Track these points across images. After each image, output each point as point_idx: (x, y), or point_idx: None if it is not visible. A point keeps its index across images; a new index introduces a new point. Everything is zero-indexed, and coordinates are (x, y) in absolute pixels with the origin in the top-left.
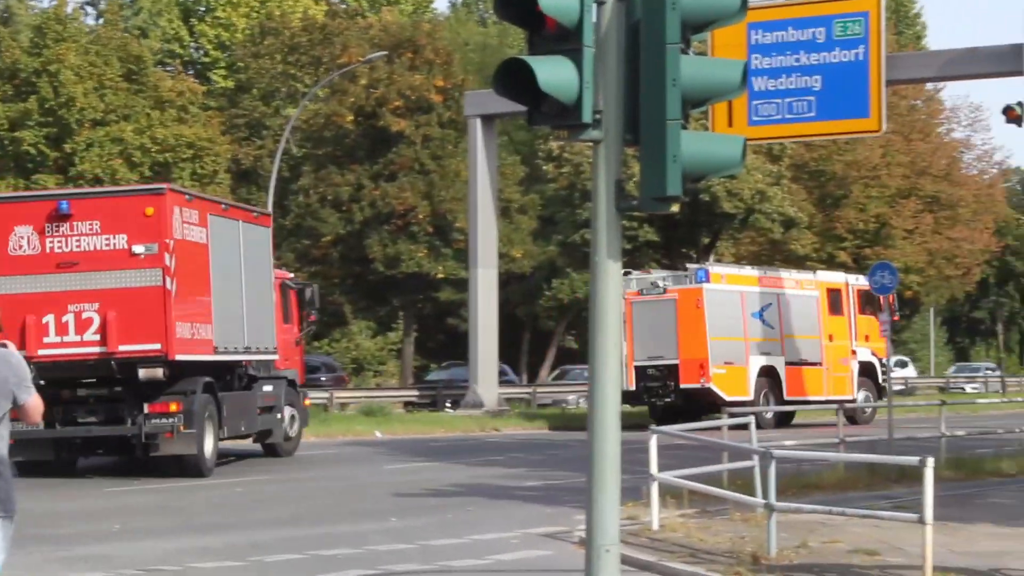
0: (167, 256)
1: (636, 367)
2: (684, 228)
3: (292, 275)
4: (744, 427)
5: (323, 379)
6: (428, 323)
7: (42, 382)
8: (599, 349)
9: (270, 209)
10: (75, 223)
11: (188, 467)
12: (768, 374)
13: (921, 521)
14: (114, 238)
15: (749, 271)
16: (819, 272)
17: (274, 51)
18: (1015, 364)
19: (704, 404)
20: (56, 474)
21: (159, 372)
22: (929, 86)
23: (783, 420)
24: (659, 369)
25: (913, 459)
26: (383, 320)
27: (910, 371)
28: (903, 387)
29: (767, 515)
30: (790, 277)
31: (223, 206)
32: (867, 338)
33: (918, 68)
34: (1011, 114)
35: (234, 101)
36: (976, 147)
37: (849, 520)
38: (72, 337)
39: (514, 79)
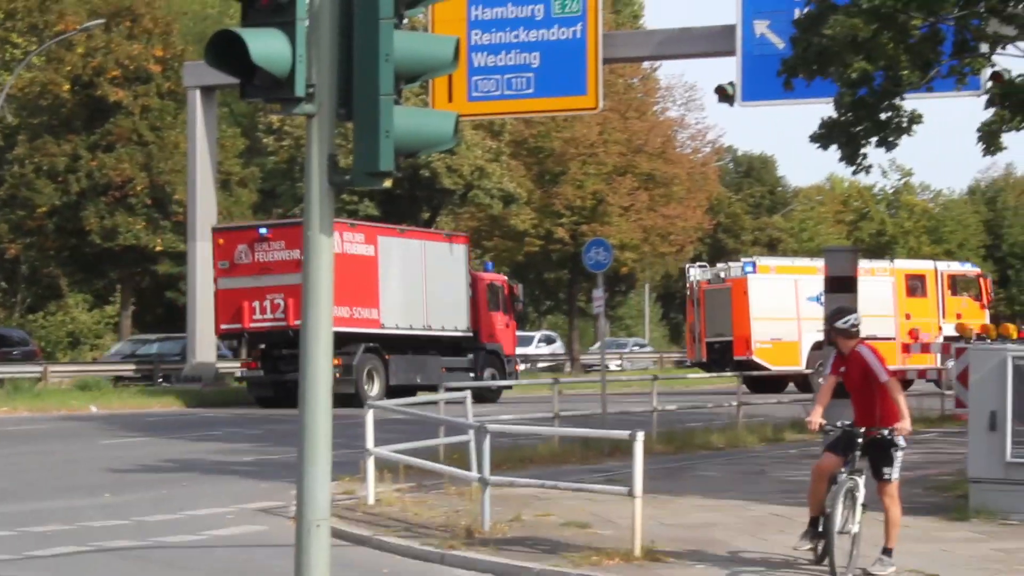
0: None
1: (707, 342)
2: (404, 203)
3: (505, 278)
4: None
5: (15, 353)
6: (146, 296)
7: (262, 346)
8: (311, 322)
9: None
10: (270, 242)
11: (352, 401)
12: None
13: (631, 494)
14: (292, 251)
15: (807, 262)
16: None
17: None
18: None
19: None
20: (275, 405)
21: None
22: (646, 65)
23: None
24: (721, 344)
25: (624, 433)
26: (100, 293)
27: (558, 347)
28: (552, 363)
29: (481, 489)
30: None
31: (400, 230)
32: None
33: (634, 47)
34: (723, 93)
35: None
36: (690, 126)
37: (563, 494)
38: (268, 316)
39: (227, 51)
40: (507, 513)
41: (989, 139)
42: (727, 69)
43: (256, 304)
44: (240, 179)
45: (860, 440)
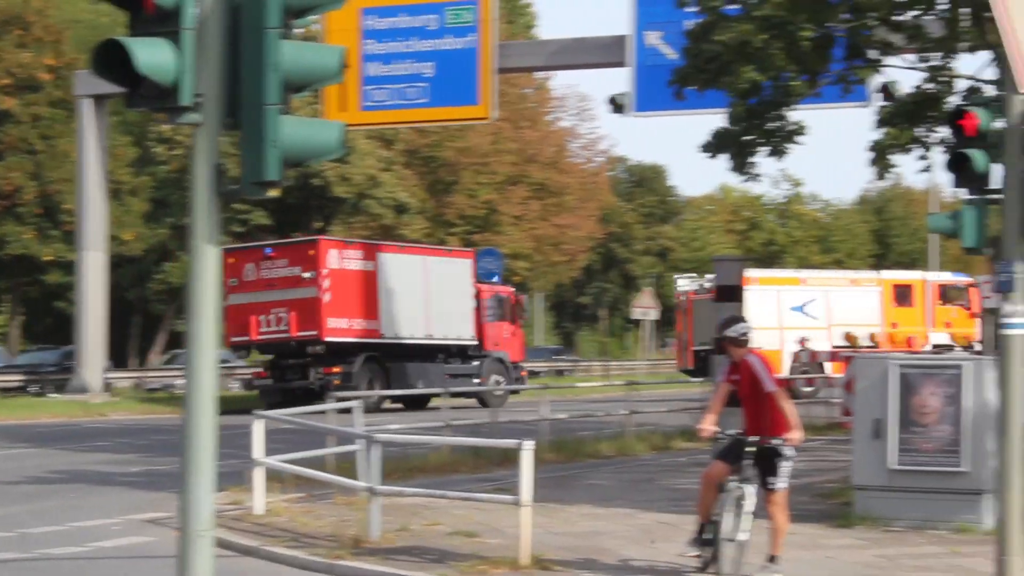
0: (322, 279)
1: (693, 350)
2: (296, 212)
3: (512, 289)
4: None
5: None
6: (35, 306)
7: (269, 356)
8: (196, 332)
9: None
10: (273, 260)
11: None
12: None
13: (518, 503)
14: (294, 268)
15: (791, 273)
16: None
17: None
18: (617, 349)
19: None
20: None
21: (318, 348)
22: (539, 75)
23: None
24: (707, 352)
25: (512, 442)
26: None
27: None
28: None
29: (369, 499)
30: (843, 276)
31: (399, 246)
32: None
33: (528, 57)
34: (615, 104)
35: None
36: (583, 136)
37: (452, 503)
38: (273, 328)
39: (113, 60)
40: (395, 523)
41: (879, 159)
42: (620, 80)
43: (262, 318)
44: (131, 188)
45: (750, 449)
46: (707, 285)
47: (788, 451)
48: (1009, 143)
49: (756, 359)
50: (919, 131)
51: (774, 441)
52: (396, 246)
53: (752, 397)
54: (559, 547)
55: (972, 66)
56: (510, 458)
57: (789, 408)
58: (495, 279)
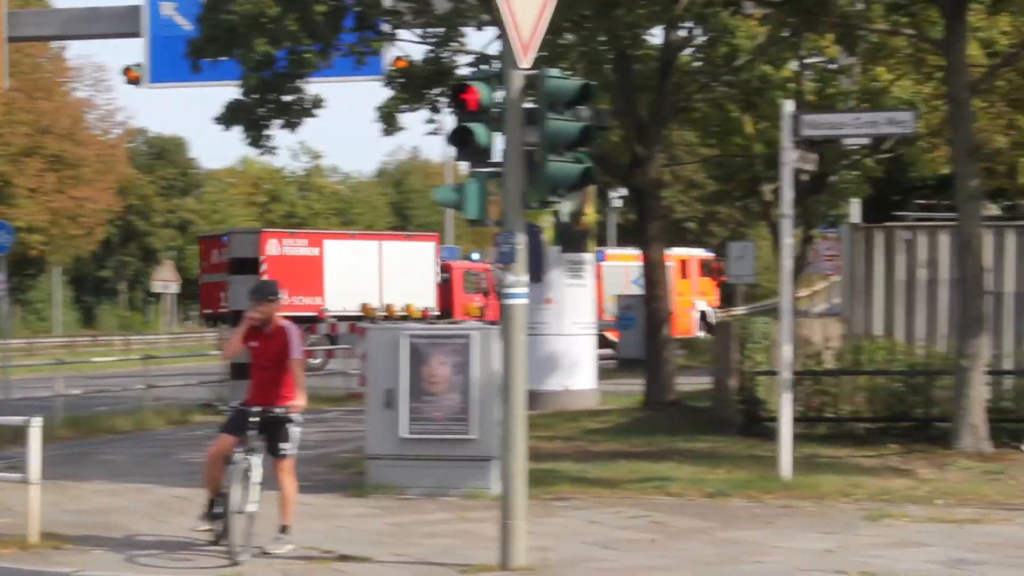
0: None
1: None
2: None
3: (488, 266)
4: None
5: None
6: None
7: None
8: None
9: None
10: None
11: None
12: None
13: (26, 481)
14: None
15: (631, 251)
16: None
17: None
18: (140, 322)
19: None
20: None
21: None
22: (55, 45)
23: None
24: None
25: (19, 419)
26: None
27: None
28: None
29: None
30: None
31: (351, 233)
32: None
33: (40, 26)
34: (131, 75)
35: None
36: (100, 107)
37: None
38: (226, 303)
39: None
40: None
41: (388, 120)
42: (136, 50)
43: (222, 294)
44: None
45: (254, 419)
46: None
47: (296, 417)
48: (509, 117)
49: (292, 326)
50: (430, 99)
51: (278, 409)
52: (348, 234)
53: (272, 365)
54: (71, 524)
55: (483, 41)
56: (22, 436)
57: (300, 376)
58: (476, 258)
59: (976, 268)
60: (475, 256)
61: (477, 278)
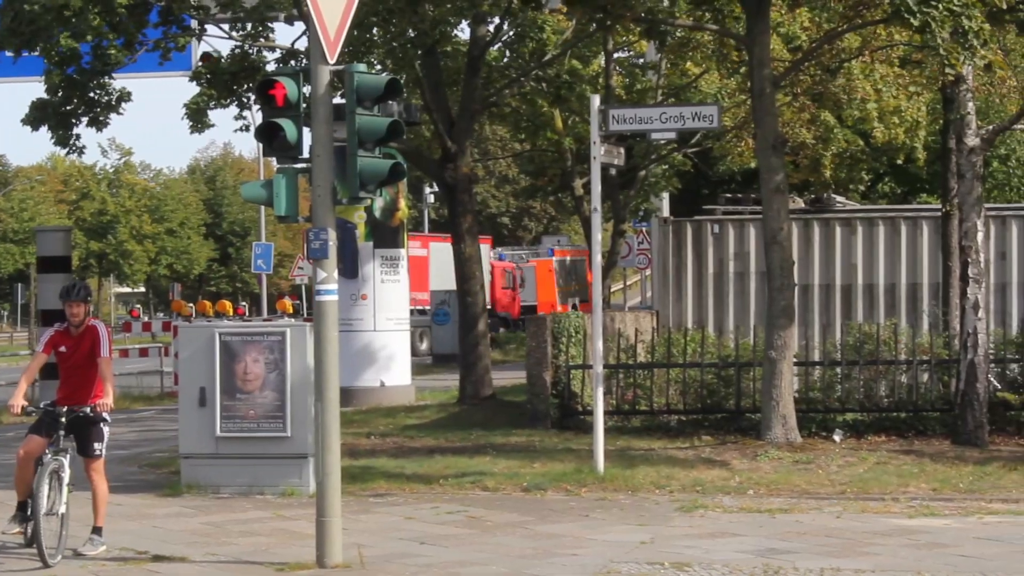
0: None
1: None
2: None
3: (514, 265)
4: None
5: None
6: None
7: None
8: None
9: None
10: None
11: None
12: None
13: None
14: None
15: (569, 247)
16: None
17: None
18: None
19: None
20: None
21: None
22: None
23: None
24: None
25: None
26: None
27: None
28: None
29: None
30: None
31: (441, 236)
32: None
33: None
34: None
35: None
36: None
37: None
38: None
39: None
40: None
41: (196, 116)
42: None
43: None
44: None
45: (63, 419)
46: (526, 257)
47: (107, 416)
48: (317, 112)
49: (102, 325)
50: (238, 95)
51: (86, 409)
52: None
53: (82, 365)
54: None
55: (291, 36)
56: None
57: (109, 375)
58: (504, 257)
59: (783, 260)
60: (504, 256)
61: (510, 275)
